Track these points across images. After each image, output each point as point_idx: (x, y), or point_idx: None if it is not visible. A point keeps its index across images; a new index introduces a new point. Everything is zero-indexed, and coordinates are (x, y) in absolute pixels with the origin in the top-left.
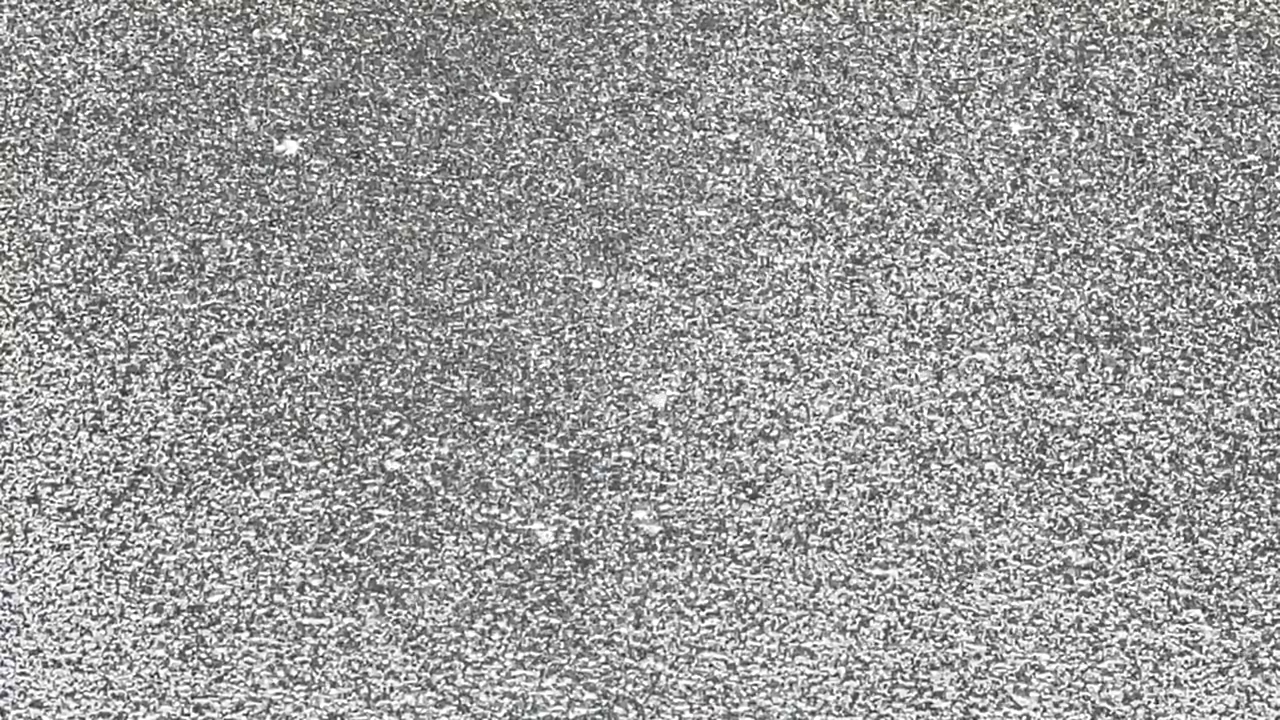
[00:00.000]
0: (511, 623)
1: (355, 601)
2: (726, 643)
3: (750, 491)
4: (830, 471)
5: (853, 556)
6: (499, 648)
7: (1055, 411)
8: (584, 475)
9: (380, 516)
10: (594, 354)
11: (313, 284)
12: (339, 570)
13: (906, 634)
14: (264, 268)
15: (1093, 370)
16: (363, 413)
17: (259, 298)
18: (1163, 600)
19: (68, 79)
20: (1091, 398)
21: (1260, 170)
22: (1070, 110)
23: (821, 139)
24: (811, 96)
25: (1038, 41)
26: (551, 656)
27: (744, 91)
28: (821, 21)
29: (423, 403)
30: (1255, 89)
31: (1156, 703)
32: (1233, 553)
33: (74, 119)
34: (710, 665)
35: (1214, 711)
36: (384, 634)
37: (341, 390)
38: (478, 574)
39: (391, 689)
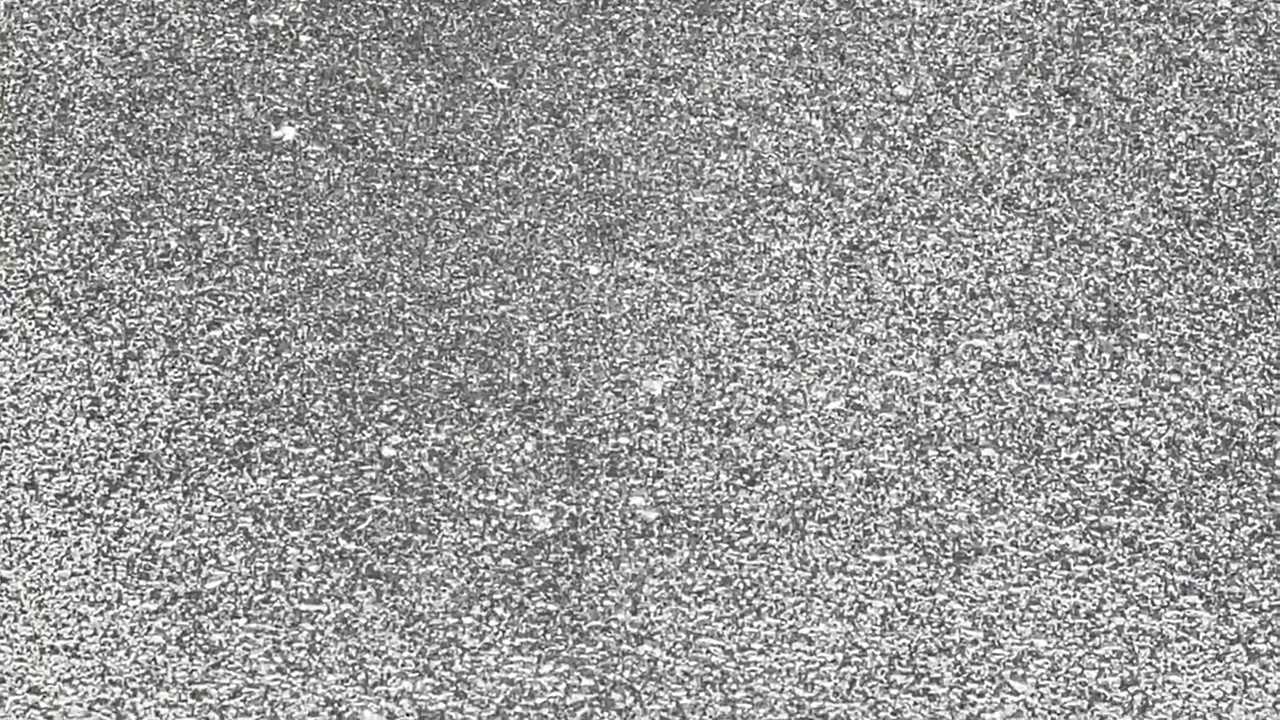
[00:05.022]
0: (509, 609)
1: (352, 588)
2: (724, 629)
3: (747, 478)
4: (827, 458)
5: (850, 543)
6: (496, 634)
7: (1052, 398)
8: (581, 461)
9: (377, 503)
10: (591, 340)
11: (310, 270)
12: (336, 556)
13: (904, 620)
14: (261, 254)
15: (1090, 356)
16: (360, 399)
17: (256, 284)
18: (1160, 586)
19: (65, 65)
20: (1088, 384)
21: (1257, 156)
22: (1067, 96)
23: (819, 125)
24: (809, 83)
25: (1035, 27)
26: (549, 643)
27: (741, 77)
28: (819, 7)
29: (420, 389)
30: (1252, 75)
31: (1154, 689)
32: (1230, 539)
33: (71, 105)
34: (707, 651)
35: (1211, 697)
36: (381, 620)
37: (338, 376)
38: (475, 560)
39: (389, 675)
